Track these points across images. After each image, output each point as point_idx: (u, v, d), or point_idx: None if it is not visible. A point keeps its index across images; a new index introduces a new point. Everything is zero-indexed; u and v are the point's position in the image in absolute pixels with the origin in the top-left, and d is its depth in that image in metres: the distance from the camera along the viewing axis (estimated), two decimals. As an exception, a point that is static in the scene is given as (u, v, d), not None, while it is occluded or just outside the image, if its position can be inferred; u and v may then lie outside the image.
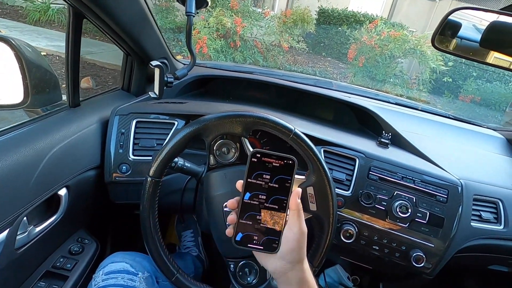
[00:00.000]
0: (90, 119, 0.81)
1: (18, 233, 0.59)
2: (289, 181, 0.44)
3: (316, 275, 1.22)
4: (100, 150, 0.81)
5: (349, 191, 0.80)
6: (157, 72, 0.79)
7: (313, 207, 0.59)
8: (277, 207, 0.44)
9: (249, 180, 0.44)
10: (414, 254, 0.76)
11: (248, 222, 0.44)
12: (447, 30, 0.70)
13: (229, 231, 0.45)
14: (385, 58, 4.33)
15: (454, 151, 1.02)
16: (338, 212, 0.80)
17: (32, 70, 0.84)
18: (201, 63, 1.30)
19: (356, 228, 0.80)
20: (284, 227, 0.44)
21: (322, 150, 0.84)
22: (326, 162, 0.84)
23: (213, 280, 0.86)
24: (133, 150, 0.82)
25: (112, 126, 0.81)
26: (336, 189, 0.82)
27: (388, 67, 4.39)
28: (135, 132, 0.83)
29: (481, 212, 0.82)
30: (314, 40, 6.13)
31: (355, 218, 0.80)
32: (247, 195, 0.44)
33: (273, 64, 4.63)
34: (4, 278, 0.59)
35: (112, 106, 0.85)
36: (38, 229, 0.64)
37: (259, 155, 0.44)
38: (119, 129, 0.82)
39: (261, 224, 0.44)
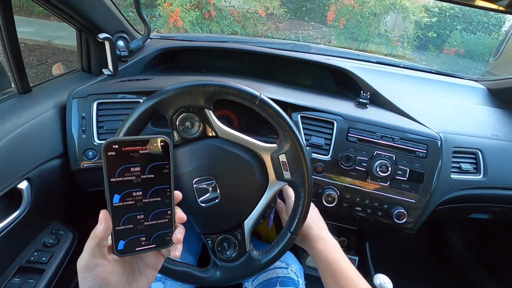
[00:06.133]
0: (44, 105, 0.74)
1: (-24, 232, 0.56)
2: (167, 166, 0.36)
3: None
4: (61, 137, 0.75)
5: (329, 156, 0.78)
6: (107, 45, 0.72)
7: (287, 175, 0.57)
8: (160, 199, 0.36)
9: (112, 180, 0.33)
10: (396, 211, 0.77)
11: (127, 226, 0.35)
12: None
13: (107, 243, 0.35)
14: (366, 17, 4.17)
15: (434, 105, 1.00)
16: (318, 177, 0.79)
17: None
18: (169, 36, 1.21)
19: (337, 191, 0.79)
20: (174, 216, 0.37)
21: (299, 116, 0.81)
22: (304, 128, 0.81)
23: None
24: (98, 134, 0.76)
25: (71, 111, 0.75)
26: (315, 154, 0.80)
27: (371, 26, 4.25)
28: (97, 115, 0.77)
29: (461, 164, 0.82)
30: (296, 5, 5.85)
31: (336, 182, 0.79)
32: (116, 197, 0.34)
33: (253, 34, 4.43)
34: None
35: (71, 89, 0.78)
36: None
37: (116, 146, 0.33)
38: (79, 113, 0.76)
39: (146, 223, 0.36)
